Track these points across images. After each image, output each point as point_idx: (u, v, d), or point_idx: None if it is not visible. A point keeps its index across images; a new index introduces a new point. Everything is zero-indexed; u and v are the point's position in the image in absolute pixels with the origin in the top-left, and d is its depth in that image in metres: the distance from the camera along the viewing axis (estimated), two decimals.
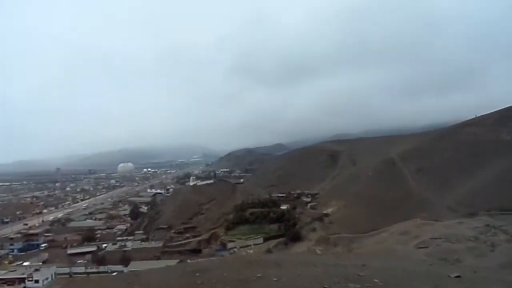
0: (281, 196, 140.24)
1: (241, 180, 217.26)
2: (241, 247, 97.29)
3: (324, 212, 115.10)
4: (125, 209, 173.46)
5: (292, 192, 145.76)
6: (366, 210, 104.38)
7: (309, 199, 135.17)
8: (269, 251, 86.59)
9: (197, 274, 8.53)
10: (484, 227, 71.17)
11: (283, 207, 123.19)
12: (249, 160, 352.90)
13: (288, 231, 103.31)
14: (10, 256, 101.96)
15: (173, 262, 75.23)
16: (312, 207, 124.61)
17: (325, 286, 6.48)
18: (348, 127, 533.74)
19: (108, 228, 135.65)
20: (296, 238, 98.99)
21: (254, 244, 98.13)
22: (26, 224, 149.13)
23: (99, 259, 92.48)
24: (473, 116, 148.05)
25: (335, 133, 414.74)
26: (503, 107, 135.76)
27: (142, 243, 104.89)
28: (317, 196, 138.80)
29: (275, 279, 7.36)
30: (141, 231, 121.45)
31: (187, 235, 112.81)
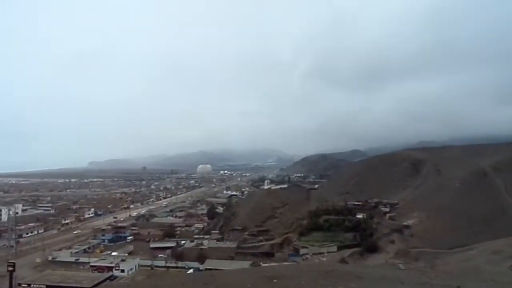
0: (357, 204, 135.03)
1: (316, 186, 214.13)
2: (314, 254, 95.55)
3: (404, 223, 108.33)
4: (203, 209, 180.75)
5: (369, 200, 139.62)
6: (452, 224, 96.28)
7: (387, 209, 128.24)
8: (343, 260, 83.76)
9: (274, 280, 8.25)
10: None
11: (359, 215, 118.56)
12: (324, 166, 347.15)
13: (364, 241, 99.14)
14: (101, 245, 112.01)
15: (246, 264, 76.56)
16: (391, 218, 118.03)
17: None
18: (432, 134, 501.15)
19: (186, 225, 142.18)
20: (373, 249, 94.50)
21: (328, 252, 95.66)
22: (115, 218, 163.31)
23: (178, 254, 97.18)
24: None
25: (418, 140, 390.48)
26: None
27: (217, 242, 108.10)
28: (397, 206, 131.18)
29: None
30: (217, 231, 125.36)
31: (261, 237, 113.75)
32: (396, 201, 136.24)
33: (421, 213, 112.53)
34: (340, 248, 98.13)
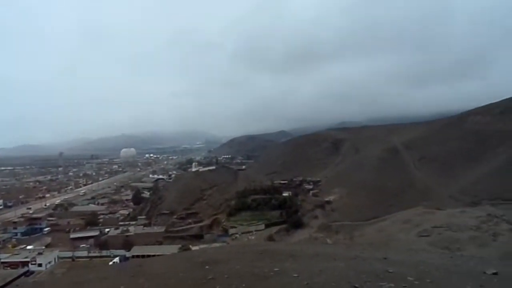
0: (283, 183, 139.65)
1: (243, 167, 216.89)
2: (243, 233, 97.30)
3: (326, 199, 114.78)
4: (128, 195, 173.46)
5: (295, 179, 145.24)
6: (368, 198, 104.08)
7: (311, 187, 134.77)
8: (271, 237, 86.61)
9: (207, 267, 7.80)
10: (486, 216, 70.78)
11: (285, 194, 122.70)
12: (251, 147, 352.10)
13: (290, 218, 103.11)
14: (14, 239, 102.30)
15: (175, 248, 75.33)
16: (314, 195, 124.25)
17: (356, 285, 5.76)
18: (353, 114, 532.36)
19: (110, 213, 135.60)
20: (298, 225, 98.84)
21: (256, 230, 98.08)
22: (29, 208, 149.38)
23: (102, 243, 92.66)
24: (475, 106, 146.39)
25: (340, 121, 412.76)
26: (508, 97, 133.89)
27: (144, 228, 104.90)
28: (320, 183, 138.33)
29: (296, 275, 6.64)
30: (144, 216, 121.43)
31: (189, 220, 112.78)
32: (319, 179, 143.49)
33: (341, 189, 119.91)
34: (267, 225, 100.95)
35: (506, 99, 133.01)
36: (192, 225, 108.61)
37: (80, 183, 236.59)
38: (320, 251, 10.19)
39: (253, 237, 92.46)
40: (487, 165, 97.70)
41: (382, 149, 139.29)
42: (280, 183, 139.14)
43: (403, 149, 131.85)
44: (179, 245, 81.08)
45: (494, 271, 7.09)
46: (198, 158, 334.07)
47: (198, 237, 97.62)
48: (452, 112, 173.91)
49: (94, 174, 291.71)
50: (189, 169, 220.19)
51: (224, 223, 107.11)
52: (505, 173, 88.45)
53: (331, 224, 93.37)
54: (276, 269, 7.09)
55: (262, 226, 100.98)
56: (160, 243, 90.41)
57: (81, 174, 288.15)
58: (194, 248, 67.39)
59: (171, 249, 72.39)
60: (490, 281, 6.54)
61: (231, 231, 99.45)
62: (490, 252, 50.82)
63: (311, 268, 7.14)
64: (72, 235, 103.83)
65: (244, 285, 6.41)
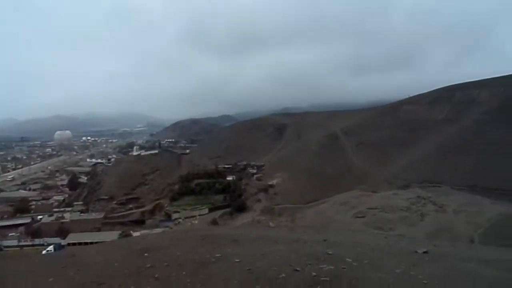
0: (227, 167, 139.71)
1: (187, 151, 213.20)
2: (186, 217, 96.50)
3: (269, 183, 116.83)
4: (63, 179, 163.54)
5: (239, 163, 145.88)
6: (309, 182, 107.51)
7: (255, 171, 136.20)
8: (215, 221, 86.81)
9: (146, 254, 7.48)
10: (415, 198, 76.32)
11: (229, 178, 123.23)
12: (195, 131, 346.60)
13: (234, 202, 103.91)
14: None
15: (115, 234, 72.71)
16: (258, 179, 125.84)
17: (297, 268, 5.80)
18: (296, 100, 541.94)
19: (43, 199, 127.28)
20: (241, 208, 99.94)
21: (200, 215, 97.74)
22: None
23: (34, 231, 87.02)
24: (408, 96, 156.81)
25: (283, 106, 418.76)
26: (437, 87, 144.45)
27: (82, 214, 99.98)
28: (263, 168, 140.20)
29: (237, 260, 6.56)
30: (81, 202, 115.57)
31: (130, 206, 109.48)
32: (262, 163, 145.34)
33: (284, 174, 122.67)
34: (211, 210, 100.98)
35: (435, 90, 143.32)
36: (133, 211, 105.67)
37: (9, 167, 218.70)
38: (262, 234, 10.25)
39: (196, 222, 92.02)
40: (417, 151, 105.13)
41: (322, 135, 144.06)
42: (224, 168, 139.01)
43: (342, 135, 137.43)
44: (119, 232, 78.54)
45: (425, 250, 7.58)
46: (139, 141, 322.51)
47: (139, 223, 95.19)
48: (388, 101, 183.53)
49: (24, 157, 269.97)
50: (130, 153, 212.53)
51: (167, 208, 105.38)
52: (433, 158, 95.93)
53: (274, 207, 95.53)
54: (217, 255, 6.97)
55: (206, 211, 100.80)
56: (99, 230, 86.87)
57: (9, 158, 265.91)
58: (135, 234, 65.61)
59: (110, 235, 69.77)
60: (422, 260, 6.97)
61: (174, 216, 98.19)
62: (418, 231, 55.13)
63: (253, 253, 7.11)
64: (0, 223, 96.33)
65: (184, 272, 6.21)
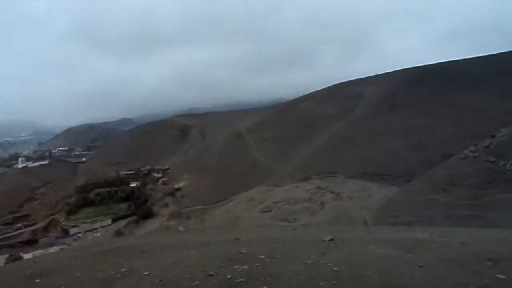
0: (130, 173, 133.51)
1: (84, 159, 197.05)
2: (87, 231, 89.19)
3: (176, 186, 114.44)
4: None
5: (142, 168, 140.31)
6: (216, 182, 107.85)
7: (160, 175, 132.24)
8: (119, 232, 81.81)
9: (38, 280, 6.50)
10: (315, 188, 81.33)
11: (133, 184, 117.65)
12: (92, 137, 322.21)
13: (139, 209, 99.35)
14: None
15: (1, 259, 63.75)
16: (164, 183, 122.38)
17: (211, 273, 5.55)
18: (200, 101, 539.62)
19: None
20: (148, 215, 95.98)
21: (102, 227, 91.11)
22: None
23: None
24: (302, 94, 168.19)
25: (187, 107, 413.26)
26: (329, 85, 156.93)
27: None
28: (169, 171, 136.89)
29: (146, 272, 6.05)
30: None
31: (18, 225, 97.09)
32: (167, 167, 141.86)
33: (190, 175, 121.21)
34: (115, 220, 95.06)
35: (326, 87, 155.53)
36: (23, 230, 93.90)
37: None
38: (171, 241, 9.75)
39: (98, 234, 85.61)
40: (314, 144, 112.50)
41: (227, 134, 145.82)
42: (127, 174, 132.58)
43: (246, 134, 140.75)
44: (7, 255, 69.13)
45: (330, 237, 7.94)
46: (26, 152, 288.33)
47: (31, 243, 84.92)
48: (287, 99, 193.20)
49: None
50: (15, 166, 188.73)
51: (63, 223, 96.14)
52: (328, 150, 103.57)
53: (182, 211, 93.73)
54: (123, 270, 6.31)
55: (109, 221, 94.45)
56: None
57: None
58: (26, 256, 58.33)
59: None
60: (329, 247, 7.26)
61: (73, 230, 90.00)
62: (320, 219, 58.92)
63: (163, 262, 6.64)
64: None
65: None
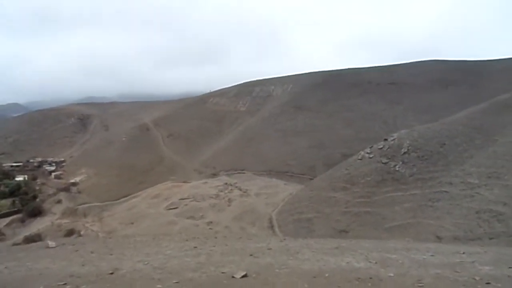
0: (17, 166, 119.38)
1: None
2: None
3: (72, 181, 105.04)
4: None
5: (32, 160, 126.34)
6: (119, 177, 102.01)
7: (53, 168, 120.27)
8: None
9: None
10: (223, 185, 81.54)
11: (19, 178, 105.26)
12: None
13: (26, 205, 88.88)
14: None
15: None
16: (57, 177, 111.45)
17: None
18: (102, 89, 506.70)
19: None
20: (37, 212, 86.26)
21: None
22: None
23: None
24: (212, 90, 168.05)
25: (87, 95, 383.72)
26: (240, 82, 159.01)
27: None
28: (64, 164, 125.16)
29: None
30: None
31: None
32: (63, 159, 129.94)
33: (89, 169, 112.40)
34: None
35: (237, 84, 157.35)
36: None
37: None
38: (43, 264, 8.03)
39: None
40: (223, 140, 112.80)
41: (132, 127, 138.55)
42: (12, 166, 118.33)
43: (153, 127, 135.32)
44: None
45: (243, 273, 7.11)
46: None
47: None
48: (199, 93, 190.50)
49: None
50: None
51: None
52: (237, 147, 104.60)
53: (78, 207, 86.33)
54: None
55: None
56: None
57: None
58: None
59: None
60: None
61: None
62: (226, 216, 58.93)
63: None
64: None
65: None
